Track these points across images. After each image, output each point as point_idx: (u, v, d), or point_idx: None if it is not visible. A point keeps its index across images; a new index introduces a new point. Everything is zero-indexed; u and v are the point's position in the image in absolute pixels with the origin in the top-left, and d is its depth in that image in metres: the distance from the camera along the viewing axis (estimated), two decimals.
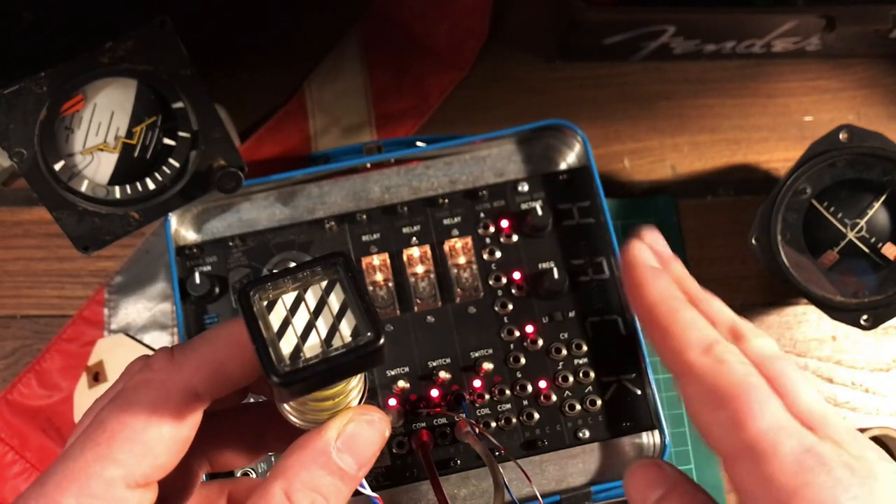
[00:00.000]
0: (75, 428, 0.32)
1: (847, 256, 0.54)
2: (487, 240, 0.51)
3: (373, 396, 0.48)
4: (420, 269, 0.50)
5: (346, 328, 0.30)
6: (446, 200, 0.51)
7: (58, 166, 0.45)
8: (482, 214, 0.51)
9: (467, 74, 0.63)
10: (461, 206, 0.51)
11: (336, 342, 0.30)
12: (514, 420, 0.47)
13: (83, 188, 0.46)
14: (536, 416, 0.48)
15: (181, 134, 0.47)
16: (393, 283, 0.50)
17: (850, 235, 0.54)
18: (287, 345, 0.29)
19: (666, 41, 0.60)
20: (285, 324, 0.30)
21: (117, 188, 0.47)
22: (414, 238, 0.51)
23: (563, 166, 0.53)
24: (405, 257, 0.50)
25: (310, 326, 0.30)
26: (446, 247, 0.51)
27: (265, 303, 0.30)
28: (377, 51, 0.63)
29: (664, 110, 0.63)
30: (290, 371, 0.28)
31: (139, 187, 0.47)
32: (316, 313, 0.30)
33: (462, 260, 0.50)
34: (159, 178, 0.48)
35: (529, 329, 0.49)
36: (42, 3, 0.47)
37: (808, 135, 0.61)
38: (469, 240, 0.51)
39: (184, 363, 0.31)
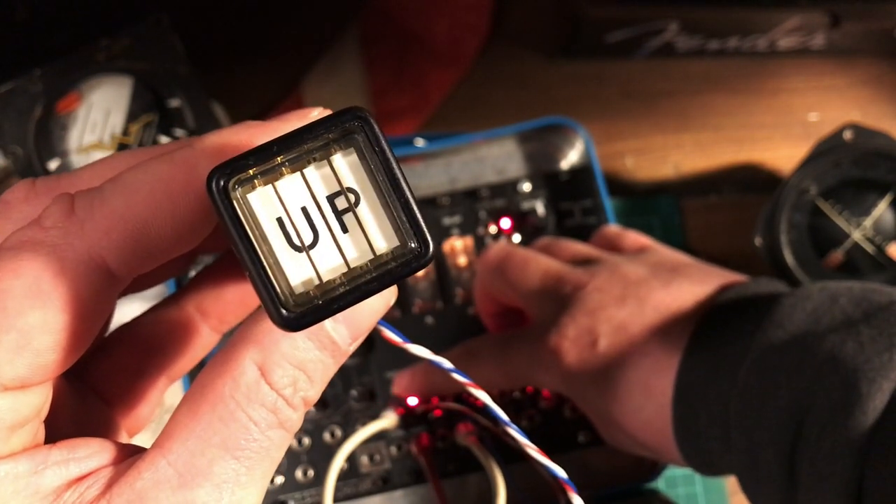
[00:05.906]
0: None
1: (852, 257, 0.53)
2: (488, 240, 0.50)
3: (371, 399, 0.48)
4: None
5: (375, 232, 0.20)
6: (447, 200, 0.51)
7: (53, 165, 0.44)
8: (483, 214, 0.51)
9: (468, 72, 0.62)
10: (461, 205, 0.51)
11: (361, 256, 0.20)
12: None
13: None
14: (536, 418, 0.47)
15: (177, 132, 0.47)
16: None
17: (856, 235, 0.53)
18: (294, 266, 0.20)
19: (669, 38, 0.60)
20: (284, 230, 0.20)
21: None
22: None
23: (564, 165, 0.52)
24: None
25: (321, 230, 0.20)
26: (446, 247, 0.50)
27: (254, 198, 0.20)
28: (376, 48, 0.62)
29: (667, 108, 0.63)
30: (305, 311, 0.20)
31: None
32: (328, 208, 0.20)
33: (462, 260, 0.50)
34: None
35: None
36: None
37: (812, 133, 0.60)
38: (469, 239, 0.50)
39: (88, 220, 0.21)
